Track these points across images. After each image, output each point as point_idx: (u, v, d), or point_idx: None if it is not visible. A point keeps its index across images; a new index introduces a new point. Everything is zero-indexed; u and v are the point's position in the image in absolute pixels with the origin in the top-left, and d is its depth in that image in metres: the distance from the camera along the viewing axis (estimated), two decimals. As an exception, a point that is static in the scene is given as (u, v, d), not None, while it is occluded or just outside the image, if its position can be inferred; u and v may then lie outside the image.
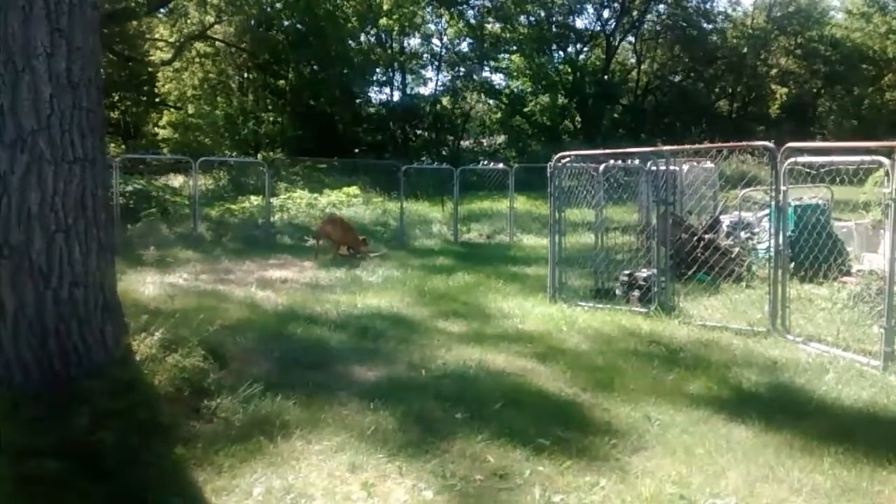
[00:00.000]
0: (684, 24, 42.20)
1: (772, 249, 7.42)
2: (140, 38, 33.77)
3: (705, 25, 42.65)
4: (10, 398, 4.04)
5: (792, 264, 7.89)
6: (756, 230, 11.08)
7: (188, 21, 32.74)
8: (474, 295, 9.34)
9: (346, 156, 30.12)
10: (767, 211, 9.45)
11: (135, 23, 30.30)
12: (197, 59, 34.56)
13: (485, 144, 41.34)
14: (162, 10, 31.02)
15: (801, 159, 7.54)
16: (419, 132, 39.68)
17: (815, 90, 44.18)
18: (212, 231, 15.36)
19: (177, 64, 33.43)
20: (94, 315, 4.52)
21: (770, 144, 7.54)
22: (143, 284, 9.25)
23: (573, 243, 10.45)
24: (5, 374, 4.23)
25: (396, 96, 39.72)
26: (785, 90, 44.02)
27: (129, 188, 16.31)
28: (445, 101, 40.04)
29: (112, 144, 32.04)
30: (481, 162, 28.41)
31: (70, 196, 4.37)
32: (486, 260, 13.20)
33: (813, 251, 8.26)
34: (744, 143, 9.79)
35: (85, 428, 3.90)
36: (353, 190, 19.65)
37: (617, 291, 9.04)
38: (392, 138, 38.10)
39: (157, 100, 35.72)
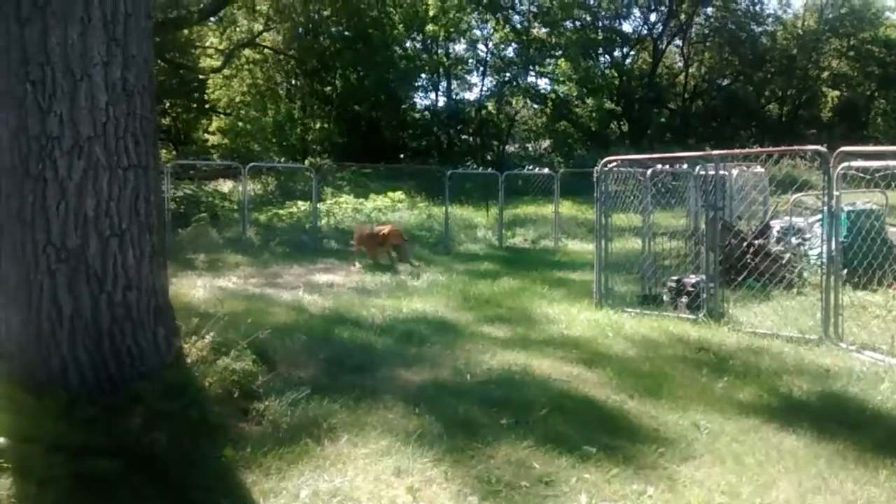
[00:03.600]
0: (733, 27, 41.55)
1: (824, 255, 7.27)
2: (191, 46, 34.39)
3: (754, 28, 41.91)
4: (66, 398, 4.14)
5: (845, 271, 7.73)
6: (807, 236, 10.87)
7: (237, 29, 33.29)
8: (519, 300, 9.32)
9: (391, 161, 30.32)
10: (819, 216, 9.26)
11: (186, 31, 30.86)
12: (246, 67, 35.08)
13: (530, 149, 41.20)
14: (212, 19, 31.56)
15: (854, 163, 7.39)
16: (464, 137, 39.68)
17: (868, 93, 43.12)
18: (260, 236, 15.59)
19: (226, 71, 33.99)
20: (146, 318, 4.61)
21: (822, 148, 7.40)
22: (194, 288, 9.42)
23: (619, 248, 10.37)
24: (61, 375, 4.34)
25: (441, 102, 39.88)
26: (837, 93, 43.07)
27: (180, 193, 16.69)
28: (491, 105, 40.02)
29: (163, 150, 32.65)
30: (526, 167, 28.34)
31: (124, 201, 4.47)
32: (531, 265, 13.16)
33: (867, 257, 8.09)
34: (795, 147, 9.63)
35: (138, 429, 3.98)
36: (398, 195, 19.73)
37: (664, 297, 8.93)
38: (437, 143, 38.18)
39: (206, 106, 36.33)
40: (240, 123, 33.07)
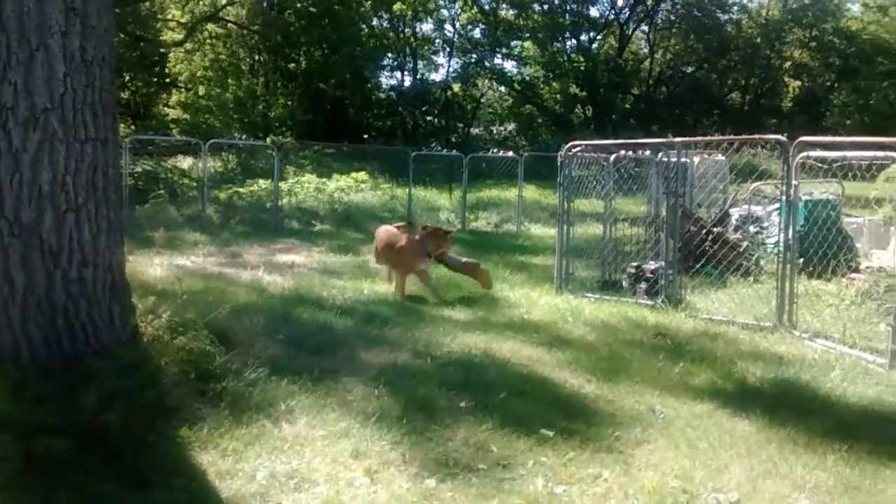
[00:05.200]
0: (699, 14, 41.91)
1: (781, 244, 7.39)
2: (152, 18, 33.69)
3: (720, 15, 42.34)
4: (17, 376, 4.05)
5: (801, 260, 7.86)
6: (765, 224, 11.04)
7: (200, 2, 32.69)
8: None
9: (355, 141, 30.08)
10: (777, 205, 9.41)
11: (147, 3, 30.26)
12: (208, 41, 34.48)
13: (495, 132, 41.22)
14: (174, -9, 31.01)
15: (813, 153, 7.51)
16: (429, 118, 39.56)
17: (828, 84, 43.80)
18: (220, 214, 15.39)
19: (188, 45, 33.38)
20: (102, 295, 4.53)
21: (783, 138, 7.50)
22: (151, 266, 9.28)
23: (581, 234, 10.44)
24: (12, 351, 4.24)
25: (407, 82, 39.68)
26: (798, 83, 43.73)
27: (139, 169, 16.39)
28: (456, 87, 39.93)
29: (122, 125, 31.94)
30: (491, 150, 28.34)
31: (81, 175, 4.37)
32: (494, 248, 13.19)
33: (822, 247, 8.24)
34: (756, 136, 9.78)
35: (91, 408, 3.92)
36: (362, 175, 19.62)
37: (624, 283, 9.02)
38: (402, 124, 37.99)
39: (167, 80, 35.67)
40: (201, 99, 32.54)
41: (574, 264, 9.43)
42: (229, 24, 34.21)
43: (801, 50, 42.94)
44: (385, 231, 8.97)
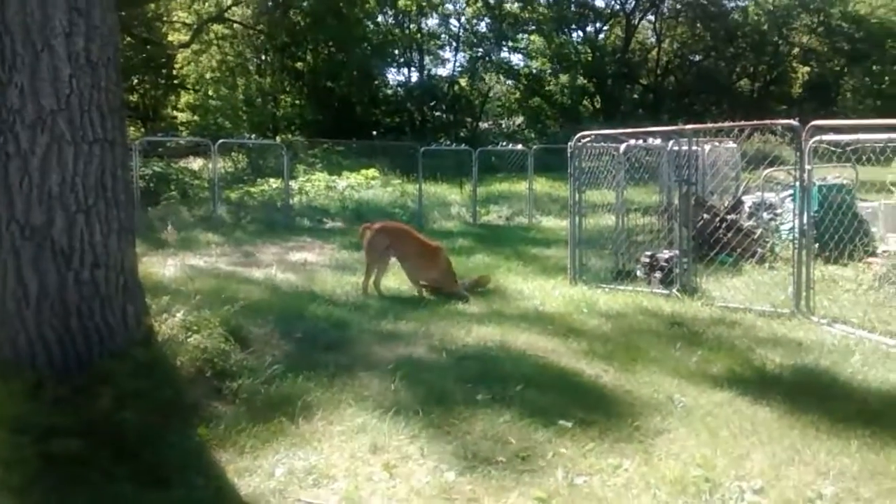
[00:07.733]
0: (705, 2, 41.62)
1: (795, 230, 7.31)
2: (158, 20, 33.71)
3: (726, 3, 42.12)
4: (32, 378, 4.05)
5: (816, 245, 7.78)
6: (779, 211, 10.94)
7: (206, 3, 32.71)
8: (494, 276, 9.27)
9: (364, 138, 30.07)
10: (790, 191, 9.32)
11: (153, 5, 30.27)
12: (215, 42, 34.49)
13: (503, 126, 41.13)
14: (179, -8, 31.03)
15: (826, 137, 7.42)
16: (437, 114, 39.51)
17: (837, 69, 43.48)
18: (231, 213, 15.42)
19: (195, 46, 33.41)
20: (115, 296, 4.52)
21: (795, 123, 7.42)
22: (164, 266, 9.28)
23: (593, 225, 10.38)
24: (28, 353, 4.24)
25: (414, 77, 39.63)
26: (807, 69, 43.42)
27: (149, 171, 16.42)
28: (464, 82, 39.89)
29: (132, 128, 32.04)
30: (500, 143, 28.27)
31: (90, 177, 4.36)
32: (506, 241, 13.16)
33: (837, 232, 8.15)
34: (768, 122, 9.67)
35: (107, 408, 3.92)
36: (372, 172, 19.61)
37: (638, 273, 8.96)
38: (410, 120, 37.96)
39: (175, 82, 35.73)
40: (210, 100, 32.58)
41: (587, 255, 9.38)
42: (235, 25, 34.22)
43: (809, 35, 42.60)
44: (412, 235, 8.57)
